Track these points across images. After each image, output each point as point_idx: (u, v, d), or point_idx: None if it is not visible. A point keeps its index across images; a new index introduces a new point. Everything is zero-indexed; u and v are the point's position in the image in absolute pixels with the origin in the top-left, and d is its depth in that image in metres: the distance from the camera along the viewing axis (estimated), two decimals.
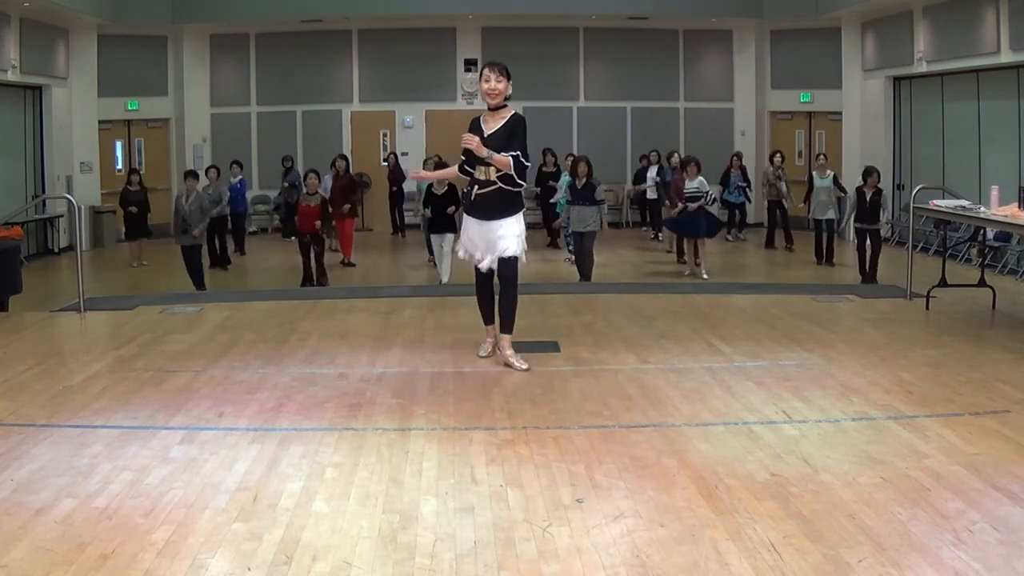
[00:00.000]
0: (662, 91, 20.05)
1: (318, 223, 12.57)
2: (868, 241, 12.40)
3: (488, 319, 6.48)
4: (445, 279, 12.31)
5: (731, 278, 13.14)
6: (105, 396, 5.58)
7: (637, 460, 4.41)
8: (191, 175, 12.97)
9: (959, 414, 5.06)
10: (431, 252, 14.33)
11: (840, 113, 18.20)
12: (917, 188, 9.28)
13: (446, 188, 12.64)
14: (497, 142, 6.07)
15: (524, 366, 6.14)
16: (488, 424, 5.00)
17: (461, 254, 6.46)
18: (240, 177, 16.88)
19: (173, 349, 6.85)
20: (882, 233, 12.93)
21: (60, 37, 16.46)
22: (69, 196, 11.97)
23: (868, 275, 12.25)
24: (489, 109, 6.20)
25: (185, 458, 4.49)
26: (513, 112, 6.23)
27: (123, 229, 18.15)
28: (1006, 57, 13.36)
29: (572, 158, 14.27)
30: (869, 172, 12.51)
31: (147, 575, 3.31)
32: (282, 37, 19.42)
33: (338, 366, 6.31)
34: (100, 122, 17.71)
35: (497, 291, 6.36)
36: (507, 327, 6.32)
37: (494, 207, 6.17)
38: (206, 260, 14.09)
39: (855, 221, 12.54)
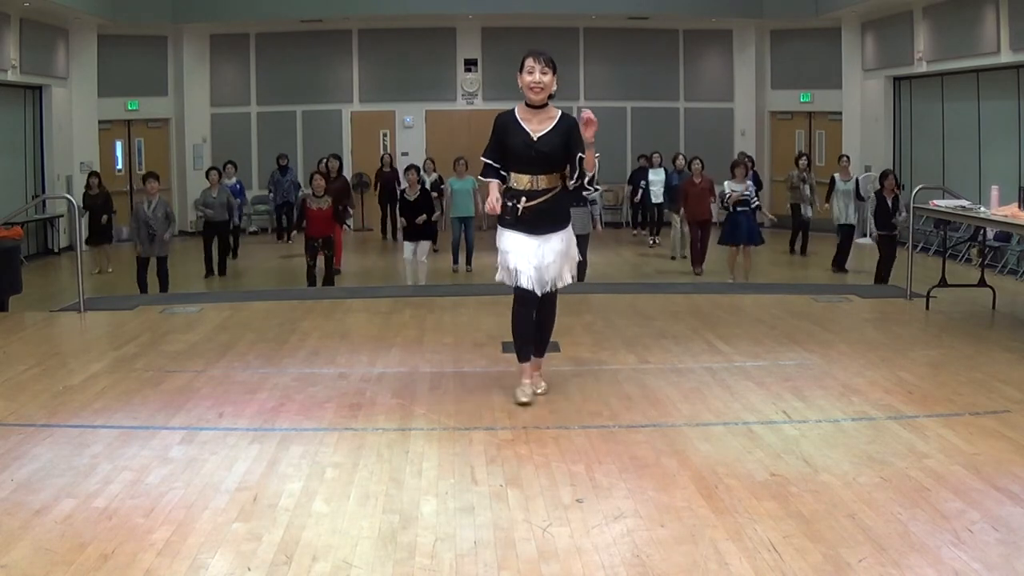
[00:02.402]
0: (662, 91, 20.06)
1: (337, 228, 12.08)
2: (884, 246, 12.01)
3: (528, 355, 5.44)
4: (423, 282, 12.19)
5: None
6: (105, 396, 5.58)
7: (637, 460, 4.41)
8: (152, 177, 11.74)
9: (959, 414, 5.06)
10: (456, 260, 14.44)
11: (840, 113, 18.21)
12: (917, 188, 9.27)
13: (418, 194, 12.37)
14: (549, 146, 5.21)
15: (541, 389, 5.53)
16: (488, 424, 5.00)
17: (512, 280, 5.30)
18: (235, 179, 16.80)
19: (173, 349, 6.85)
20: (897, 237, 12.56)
21: (60, 37, 16.47)
22: (69, 196, 11.96)
23: (880, 278, 11.84)
24: (529, 106, 5.28)
25: (185, 458, 4.49)
26: (562, 112, 5.34)
27: (122, 230, 18.24)
28: (1006, 57, 13.36)
29: None
30: (885, 175, 12.14)
31: (147, 575, 3.31)
32: (282, 37, 19.43)
33: (338, 366, 6.31)
34: (100, 122, 17.73)
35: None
36: (544, 351, 5.66)
37: (551, 219, 5.31)
38: (202, 269, 14.06)
39: (877, 227, 12.04)
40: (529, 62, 5.20)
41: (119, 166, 18.70)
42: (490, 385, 5.78)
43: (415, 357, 6.56)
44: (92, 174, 15.41)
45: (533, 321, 5.41)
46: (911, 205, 9.08)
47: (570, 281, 5.48)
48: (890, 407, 5.21)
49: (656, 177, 17.02)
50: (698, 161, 14.04)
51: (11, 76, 14.94)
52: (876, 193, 12.27)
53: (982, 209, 8.08)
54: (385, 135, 19.86)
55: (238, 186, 16.81)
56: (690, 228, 14.17)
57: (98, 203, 14.57)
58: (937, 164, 15.49)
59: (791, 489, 4.02)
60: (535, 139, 5.24)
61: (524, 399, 5.32)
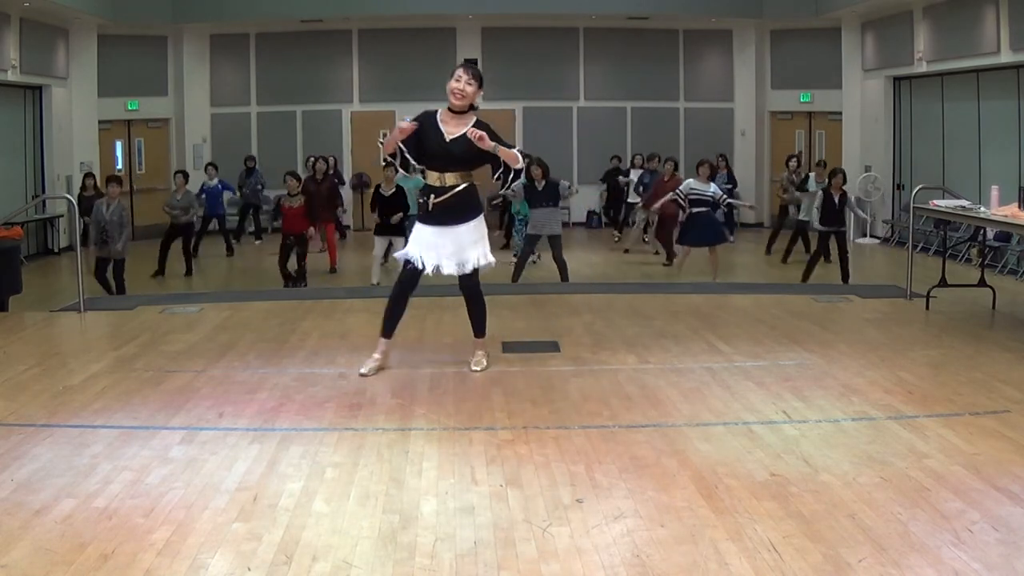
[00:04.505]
0: (662, 91, 20.05)
1: (310, 230, 12.52)
2: (832, 243, 12.00)
3: (391, 330, 6.05)
4: (376, 281, 12.39)
5: (733, 278, 13.12)
6: (105, 396, 5.58)
7: (637, 460, 4.41)
8: (114, 180, 11.81)
9: (959, 414, 5.06)
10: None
11: (840, 113, 18.20)
12: (917, 188, 9.27)
13: (393, 190, 12.51)
14: (458, 149, 5.74)
15: (479, 368, 6.07)
16: (488, 424, 5.00)
17: (415, 261, 5.88)
18: (217, 179, 16.81)
19: (173, 349, 6.85)
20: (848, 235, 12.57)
21: (60, 37, 16.46)
22: (69, 196, 11.96)
23: (842, 277, 11.84)
24: (451, 111, 5.82)
25: (185, 458, 4.49)
26: (477, 119, 5.83)
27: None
28: (1006, 57, 13.36)
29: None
30: (834, 173, 12.18)
31: (147, 575, 3.31)
32: (282, 37, 19.42)
33: (338, 366, 6.30)
34: (100, 122, 17.70)
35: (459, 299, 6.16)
36: (483, 332, 6.21)
37: (458, 212, 5.83)
38: (152, 267, 13.88)
39: (820, 223, 12.00)
40: (459, 71, 5.87)
41: (119, 166, 18.67)
42: (490, 385, 5.78)
43: (415, 357, 6.56)
44: (87, 175, 15.42)
45: (406, 301, 6.07)
46: (911, 205, 9.08)
47: (482, 264, 5.93)
48: (890, 407, 5.21)
49: (635, 177, 17.24)
50: (671, 162, 14.49)
51: (11, 76, 14.93)
52: (823, 189, 12.19)
53: (982, 209, 8.08)
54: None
55: (220, 186, 16.79)
56: (659, 223, 14.64)
57: (93, 204, 14.56)
58: (937, 164, 15.49)
59: (791, 489, 4.02)
60: (448, 140, 5.79)
61: (363, 371, 5.96)
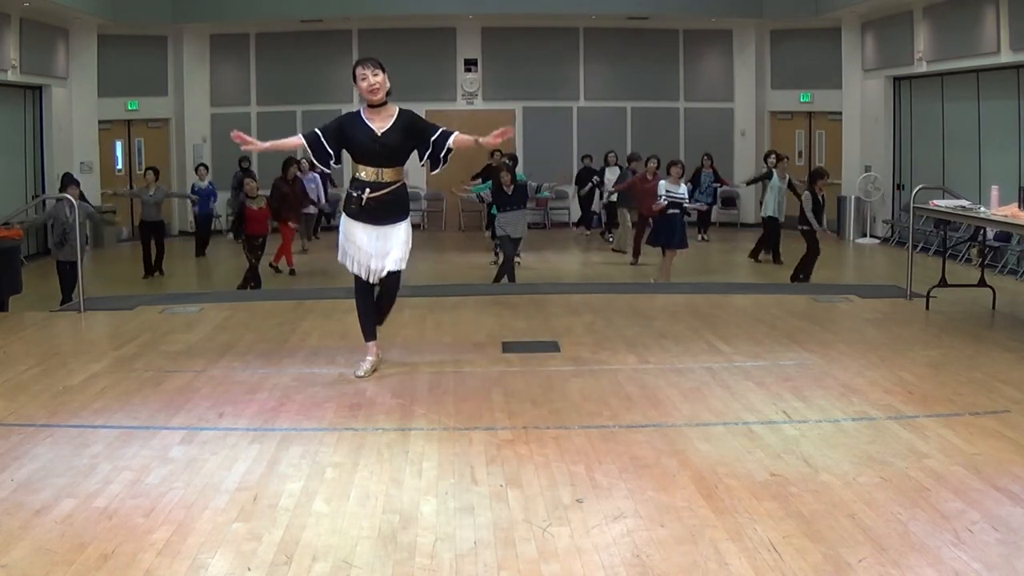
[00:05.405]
0: (662, 91, 20.03)
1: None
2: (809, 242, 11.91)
3: (371, 333, 6.12)
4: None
5: (733, 278, 13.11)
6: (105, 396, 5.58)
7: (637, 460, 4.42)
8: (72, 182, 11.69)
9: (959, 414, 5.06)
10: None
11: (840, 113, 18.19)
12: (917, 188, 9.28)
13: None
14: (392, 140, 5.76)
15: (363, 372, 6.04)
16: (488, 424, 5.01)
17: (352, 267, 5.94)
18: (208, 180, 16.77)
19: (173, 349, 6.85)
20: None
21: (60, 37, 16.45)
22: (69, 196, 11.94)
23: (802, 276, 11.80)
24: (370, 106, 5.81)
25: (185, 458, 4.49)
26: (399, 108, 5.87)
27: (122, 230, 18.16)
28: (1006, 57, 13.35)
29: (499, 156, 14.31)
30: (821, 174, 12.10)
31: (147, 575, 3.31)
32: (282, 37, 19.41)
33: (338, 366, 6.31)
34: (100, 122, 17.69)
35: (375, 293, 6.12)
36: (381, 321, 6.27)
37: (393, 211, 5.85)
38: (140, 269, 13.79)
39: (800, 223, 11.90)
40: (360, 70, 5.77)
41: (119, 166, 18.68)
42: (490, 385, 5.78)
43: (415, 357, 6.56)
44: (66, 174, 15.29)
45: (372, 302, 6.09)
46: (911, 205, 9.07)
47: (403, 266, 5.96)
48: (890, 407, 5.21)
49: (612, 176, 17.10)
50: (654, 160, 14.27)
51: (11, 76, 14.92)
52: (811, 190, 11.99)
53: (982, 209, 8.08)
54: None
55: (211, 186, 16.77)
56: (638, 221, 14.50)
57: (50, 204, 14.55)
58: (937, 164, 15.48)
59: (791, 489, 4.02)
60: (379, 134, 5.77)
61: (360, 373, 5.96)
